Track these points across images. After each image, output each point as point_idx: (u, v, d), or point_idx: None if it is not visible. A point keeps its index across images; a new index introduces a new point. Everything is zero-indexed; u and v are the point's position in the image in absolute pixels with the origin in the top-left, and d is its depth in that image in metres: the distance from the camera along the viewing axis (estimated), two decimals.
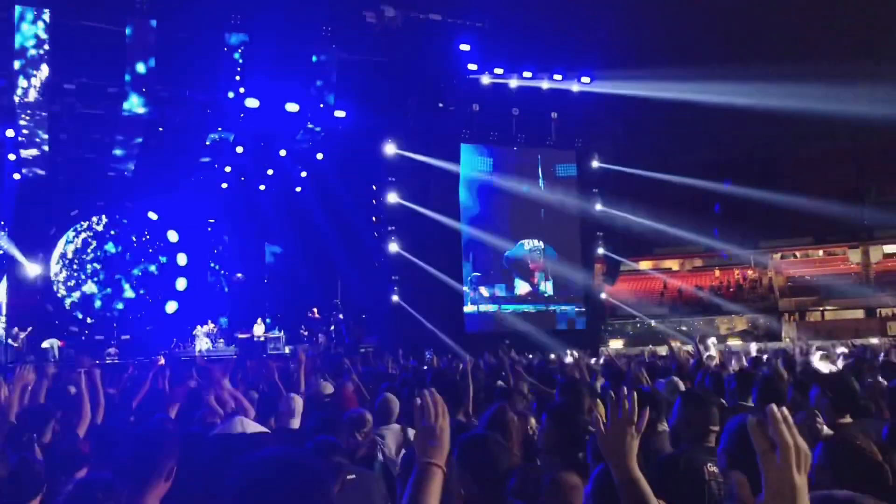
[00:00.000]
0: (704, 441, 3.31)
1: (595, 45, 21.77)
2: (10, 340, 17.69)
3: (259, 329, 20.82)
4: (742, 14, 28.08)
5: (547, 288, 22.23)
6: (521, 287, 21.95)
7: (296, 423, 5.03)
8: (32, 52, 15.60)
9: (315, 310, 22.22)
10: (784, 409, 1.50)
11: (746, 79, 21.51)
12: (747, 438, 1.53)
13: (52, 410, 4.55)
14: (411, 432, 4.57)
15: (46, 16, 15.18)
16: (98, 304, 21.76)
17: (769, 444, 1.50)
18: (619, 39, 23.56)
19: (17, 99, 15.81)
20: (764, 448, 1.51)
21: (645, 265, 35.19)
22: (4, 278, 19.88)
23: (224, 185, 22.41)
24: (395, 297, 19.90)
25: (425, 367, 12.16)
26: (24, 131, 17.41)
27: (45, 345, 18.01)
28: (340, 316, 21.69)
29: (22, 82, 15.59)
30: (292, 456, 1.60)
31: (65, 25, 15.45)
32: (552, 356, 13.61)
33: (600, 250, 23.94)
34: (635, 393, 2.28)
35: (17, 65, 15.41)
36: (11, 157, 18.10)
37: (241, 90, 17.22)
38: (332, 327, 21.02)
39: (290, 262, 23.45)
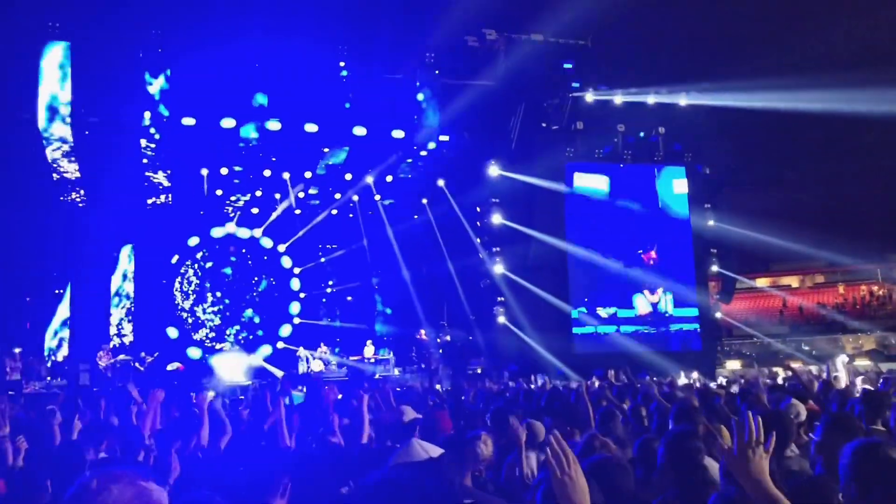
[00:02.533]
0: None
1: (700, 57, 21.24)
2: (136, 364, 18.69)
3: (368, 351, 21.19)
4: (854, 20, 26.74)
5: (667, 307, 21.56)
6: (641, 307, 21.37)
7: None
8: (154, 89, 16.66)
9: (423, 331, 22.46)
10: None
11: (862, 85, 20.38)
12: (878, 466, 1.42)
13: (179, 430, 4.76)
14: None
15: None
16: (211, 330, 22.69)
17: None
18: (725, 50, 22.89)
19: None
20: None
21: (762, 282, 33.71)
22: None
23: (334, 212, 23.05)
24: (501, 319, 19.86)
25: (532, 387, 12.05)
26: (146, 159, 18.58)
27: (169, 368, 18.89)
28: (448, 338, 21.82)
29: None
30: None
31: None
32: (658, 378, 13.19)
33: (714, 268, 23.10)
34: (759, 417, 2.18)
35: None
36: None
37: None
38: (441, 350, 21.15)
39: (398, 284, 23.79)
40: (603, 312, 20.87)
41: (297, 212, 22.42)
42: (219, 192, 20.80)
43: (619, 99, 20.35)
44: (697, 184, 22.23)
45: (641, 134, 21.40)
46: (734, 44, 24.44)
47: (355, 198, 22.60)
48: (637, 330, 21.04)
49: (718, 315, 24.38)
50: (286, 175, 20.61)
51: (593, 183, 21.14)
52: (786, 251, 26.10)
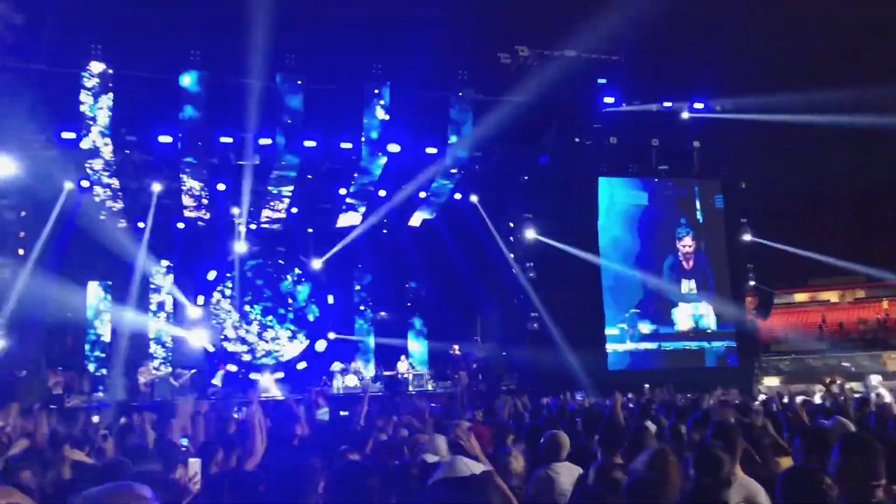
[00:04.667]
0: (868, 496, 2.90)
1: (736, 70, 21.07)
2: (171, 380, 18.92)
3: (403, 366, 21.24)
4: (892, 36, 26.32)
5: (709, 322, 21.27)
6: (682, 322, 21.11)
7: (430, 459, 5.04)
8: (189, 113, 17.00)
9: (455, 347, 22.46)
10: None
11: None
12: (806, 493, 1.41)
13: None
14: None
15: None
16: (251, 343, 22.92)
17: None
18: (760, 63, 22.68)
19: None
20: None
21: (800, 297, 33.15)
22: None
23: (368, 228, 23.21)
24: (534, 334, 19.78)
25: (569, 404, 12.00)
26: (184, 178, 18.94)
27: (215, 381, 19.08)
28: (481, 353, 21.80)
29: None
30: None
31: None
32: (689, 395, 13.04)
33: (751, 283, 22.81)
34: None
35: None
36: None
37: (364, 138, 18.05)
38: (474, 364, 21.13)
39: (431, 300, 23.85)
40: (644, 328, 20.66)
41: (332, 228, 22.62)
42: (252, 209, 21.07)
43: (652, 113, 20.27)
44: (734, 198, 22.00)
45: (676, 148, 21.26)
46: (769, 56, 24.22)
47: (388, 214, 22.73)
48: (676, 346, 20.80)
49: (755, 331, 24.04)
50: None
51: (628, 197, 21.02)
52: (825, 266, 25.67)
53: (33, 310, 17.66)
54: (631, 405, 10.59)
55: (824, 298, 34.05)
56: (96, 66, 16.44)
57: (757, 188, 22.50)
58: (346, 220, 22.04)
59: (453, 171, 19.85)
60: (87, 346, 21.26)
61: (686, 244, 21.23)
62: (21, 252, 16.86)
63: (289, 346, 23.10)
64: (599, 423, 5.93)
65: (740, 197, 22.27)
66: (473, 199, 21.37)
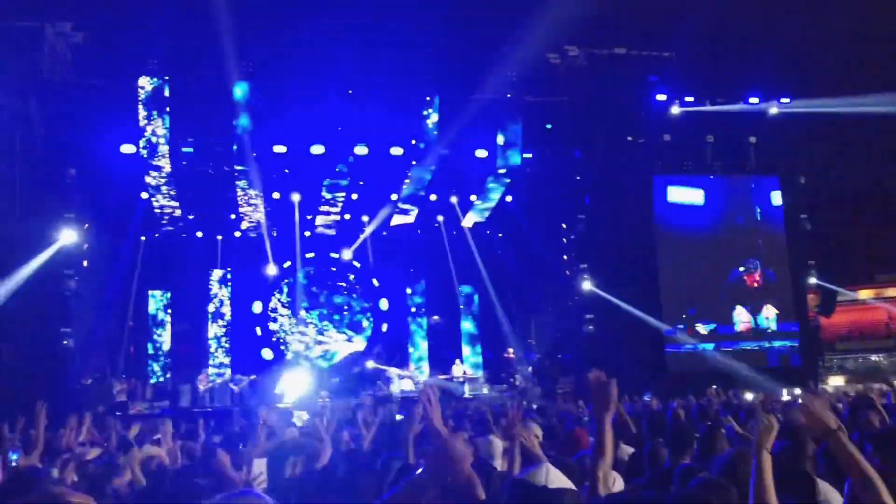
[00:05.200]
0: None
1: (792, 64, 20.55)
2: (231, 385, 19.26)
3: (457, 370, 21.22)
4: None
5: (769, 323, 20.75)
6: (741, 323, 20.64)
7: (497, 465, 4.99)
8: (245, 118, 17.31)
9: (510, 350, 22.38)
10: None
11: None
12: None
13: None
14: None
15: None
16: (312, 349, 23.18)
17: None
18: (817, 55, 22.07)
19: None
20: None
21: (865, 294, 32.11)
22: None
23: (419, 231, 23.32)
24: (589, 336, 19.56)
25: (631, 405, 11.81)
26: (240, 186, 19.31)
27: (277, 390, 19.34)
28: (536, 356, 21.66)
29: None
30: None
31: None
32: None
33: (813, 280, 22.16)
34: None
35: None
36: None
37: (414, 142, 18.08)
38: (530, 368, 21.00)
39: (483, 303, 23.82)
40: (702, 329, 20.25)
41: (384, 233, 22.79)
42: (308, 217, 21.34)
43: (706, 109, 19.89)
44: (793, 193, 21.43)
45: (731, 144, 20.84)
46: (826, 48, 23.57)
47: (440, 218, 22.80)
48: (737, 347, 20.33)
49: (818, 329, 23.37)
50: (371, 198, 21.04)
51: (682, 196, 20.65)
52: (891, 261, 24.84)
53: (97, 318, 18.18)
54: (701, 403, 10.39)
55: (890, 295, 32.92)
56: (152, 80, 16.82)
57: (817, 183, 21.86)
58: (399, 219, 22.12)
59: (503, 172, 19.78)
60: (148, 354, 21.80)
61: (754, 279, 20.73)
62: (85, 264, 17.33)
63: (345, 345, 23.32)
64: (664, 425, 5.83)
65: (800, 192, 21.68)
66: (524, 200, 21.25)
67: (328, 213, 21.41)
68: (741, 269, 20.67)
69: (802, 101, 19.78)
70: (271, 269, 21.71)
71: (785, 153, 21.37)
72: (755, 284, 20.70)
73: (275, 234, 21.49)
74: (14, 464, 5.04)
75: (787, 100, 19.99)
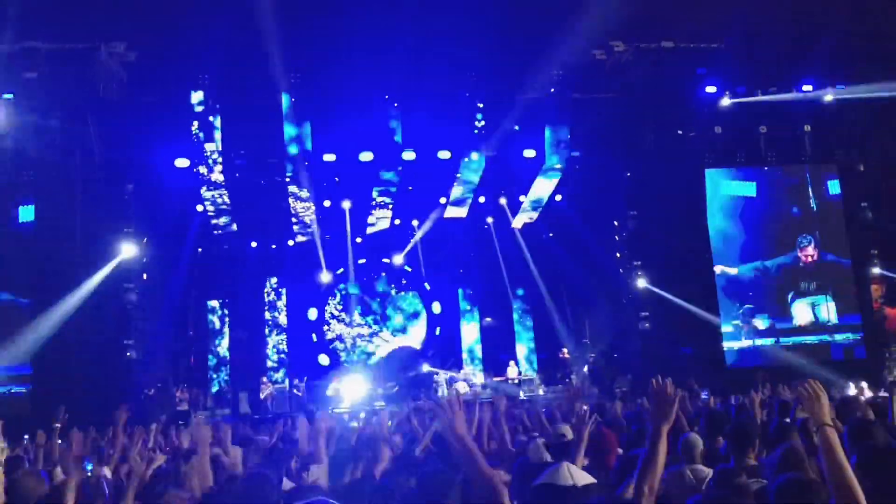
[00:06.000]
0: None
1: (846, 49, 19.91)
2: (294, 391, 19.59)
3: (512, 372, 21.15)
4: None
5: (830, 315, 20.18)
6: (801, 317, 20.13)
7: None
8: (294, 129, 17.54)
9: (565, 350, 22.22)
10: None
11: None
12: None
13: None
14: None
15: None
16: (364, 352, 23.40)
17: None
18: (873, 39, 21.37)
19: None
20: None
21: None
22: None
23: (470, 234, 23.35)
24: (645, 334, 19.31)
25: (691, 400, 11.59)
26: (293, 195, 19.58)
27: (329, 392, 19.60)
28: (591, 356, 21.47)
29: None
30: None
31: None
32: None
33: (876, 270, 21.46)
34: None
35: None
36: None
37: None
38: (586, 367, 20.83)
39: (536, 303, 23.70)
40: (760, 324, 19.80)
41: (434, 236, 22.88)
42: (361, 223, 21.55)
43: (758, 99, 19.46)
44: (852, 182, 20.79)
45: (785, 134, 20.35)
46: (880, 31, 22.84)
47: (490, 220, 22.79)
48: (795, 341, 19.84)
49: (883, 320, 22.62)
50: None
51: (737, 188, 20.25)
52: None
53: (157, 329, 18.63)
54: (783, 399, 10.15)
55: None
56: (203, 95, 17.20)
57: (877, 170, 21.14)
58: (453, 212, 22.10)
59: (552, 171, 19.68)
60: (208, 363, 22.26)
61: (808, 253, 20.22)
62: (144, 277, 17.76)
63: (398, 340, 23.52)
64: (726, 423, 5.72)
65: (858, 180, 21.04)
66: (574, 199, 21.10)
67: (379, 219, 21.59)
68: (796, 249, 20.14)
69: (859, 86, 19.18)
70: (325, 276, 21.98)
71: (842, 141, 20.78)
72: (809, 259, 20.12)
73: (328, 238, 21.73)
74: (89, 473, 5.18)
75: (842, 86, 19.43)
